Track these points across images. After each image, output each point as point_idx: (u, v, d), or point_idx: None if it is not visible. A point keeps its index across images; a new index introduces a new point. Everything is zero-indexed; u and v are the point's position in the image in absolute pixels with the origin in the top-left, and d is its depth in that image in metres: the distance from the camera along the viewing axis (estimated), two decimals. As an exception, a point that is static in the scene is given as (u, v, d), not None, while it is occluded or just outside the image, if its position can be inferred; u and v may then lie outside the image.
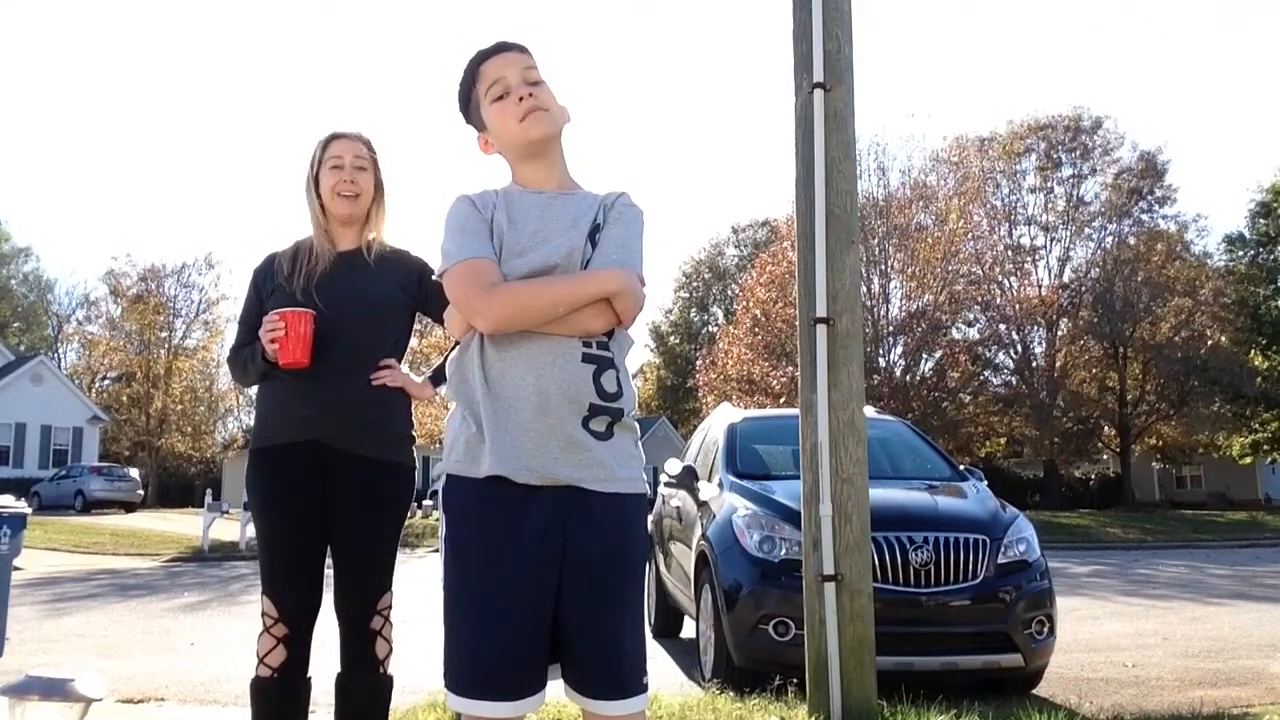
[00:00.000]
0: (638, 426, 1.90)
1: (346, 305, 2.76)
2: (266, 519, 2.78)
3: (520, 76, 1.88)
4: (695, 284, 58.37)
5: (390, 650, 2.80)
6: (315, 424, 2.73)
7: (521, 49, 1.93)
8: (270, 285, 2.86)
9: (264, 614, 2.73)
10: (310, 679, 2.79)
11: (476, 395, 1.79)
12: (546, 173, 1.91)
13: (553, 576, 1.74)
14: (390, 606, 2.81)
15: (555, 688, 1.81)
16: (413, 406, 2.90)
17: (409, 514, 2.97)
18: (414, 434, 2.92)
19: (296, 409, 2.75)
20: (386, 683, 2.81)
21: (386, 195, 2.95)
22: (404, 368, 2.89)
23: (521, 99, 1.86)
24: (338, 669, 2.81)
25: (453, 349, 1.96)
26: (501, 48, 1.92)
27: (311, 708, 2.84)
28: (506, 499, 1.74)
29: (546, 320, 1.76)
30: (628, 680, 1.75)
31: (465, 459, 1.79)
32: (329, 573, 2.78)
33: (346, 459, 2.72)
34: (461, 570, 1.77)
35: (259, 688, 2.73)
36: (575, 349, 1.78)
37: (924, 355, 29.35)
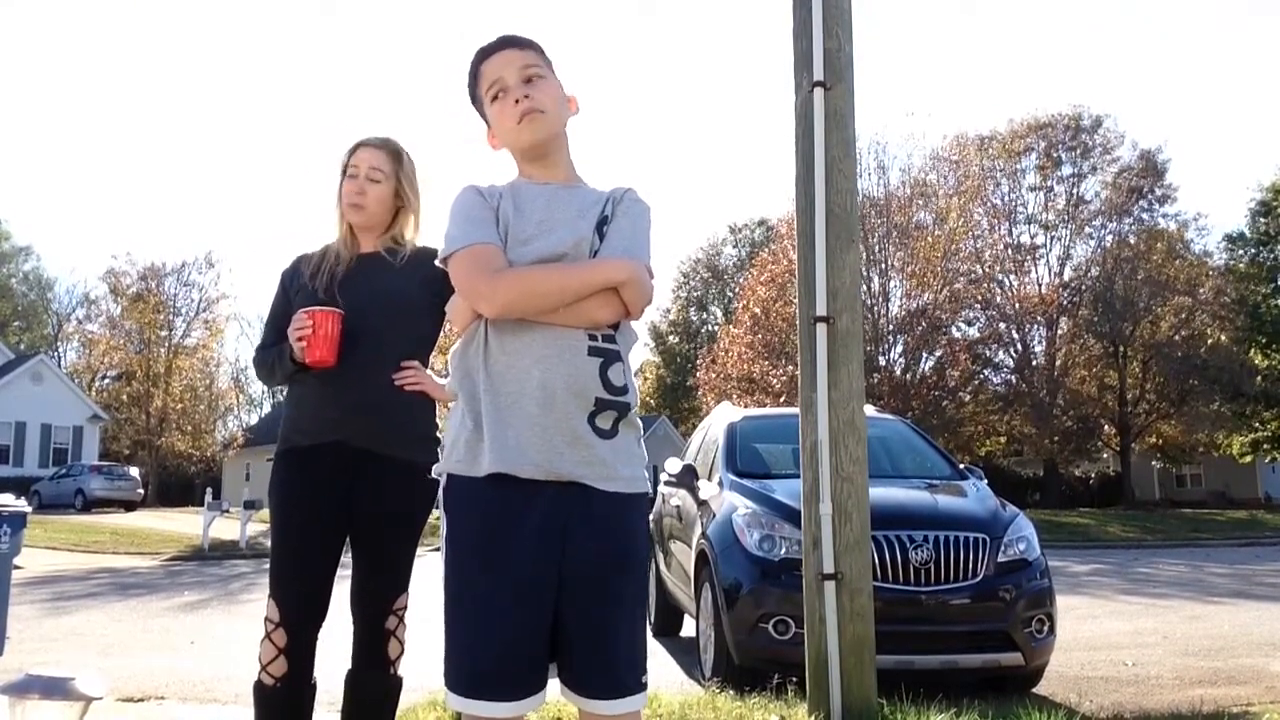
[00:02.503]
0: (640, 424, 1.89)
1: (367, 305, 2.76)
2: (285, 519, 2.77)
3: (518, 76, 1.86)
4: (694, 283, 58.38)
5: (402, 651, 2.80)
6: (339, 425, 2.73)
7: (523, 44, 1.90)
8: (296, 285, 2.88)
9: (266, 618, 2.72)
10: (315, 684, 2.78)
11: (478, 389, 1.77)
12: (551, 170, 1.90)
13: (553, 576, 1.73)
14: (405, 607, 2.81)
15: (553, 686, 1.80)
16: (437, 407, 2.89)
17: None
18: (438, 434, 2.92)
19: (322, 411, 2.76)
20: (396, 683, 2.81)
21: (420, 199, 2.93)
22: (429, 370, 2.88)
23: (518, 101, 1.84)
24: (347, 666, 2.81)
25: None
26: (502, 44, 1.89)
27: (315, 706, 2.83)
28: (507, 498, 1.73)
29: (553, 307, 1.74)
30: (624, 680, 1.74)
31: (465, 458, 1.78)
32: (344, 571, 2.77)
33: (370, 459, 2.72)
34: (462, 570, 1.76)
35: (261, 693, 2.72)
36: (581, 342, 1.76)
37: (924, 354, 29.36)
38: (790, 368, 25.16)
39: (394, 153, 2.90)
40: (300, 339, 2.66)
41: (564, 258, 1.79)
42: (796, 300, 4.50)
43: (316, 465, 2.74)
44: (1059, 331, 33.67)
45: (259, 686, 2.72)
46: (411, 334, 2.84)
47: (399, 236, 2.90)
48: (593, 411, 1.76)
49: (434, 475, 1.85)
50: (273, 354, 2.83)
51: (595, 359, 1.76)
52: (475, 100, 1.94)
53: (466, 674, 1.71)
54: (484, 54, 1.90)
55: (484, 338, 1.78)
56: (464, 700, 1.70)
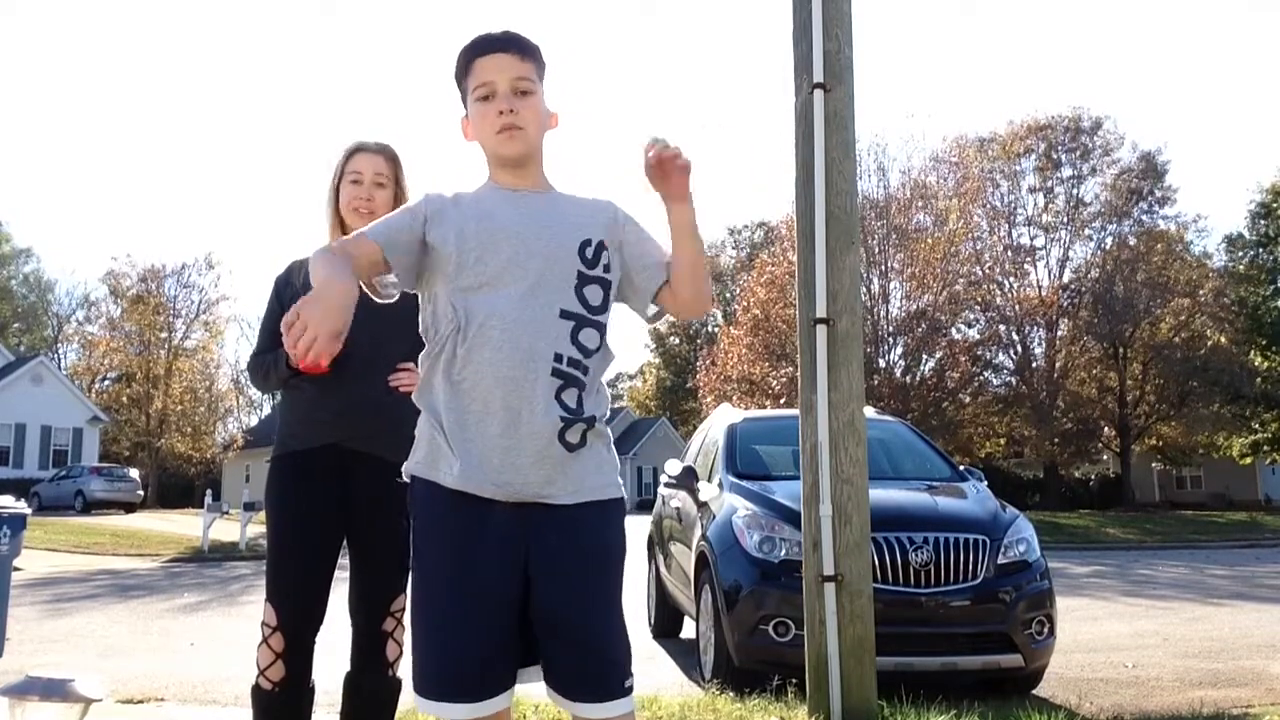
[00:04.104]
0: (609, 432, 1.89)
1: (361, 310, 2.75)
2: (281, 522, 2.77)
3: (509, 86, 1.83)
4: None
5: (400, 653, 2.80)
6: (333, 428, 2.74)
7: (524, 51, 1.86)
8: (290, 292, 2.88)
9: (263, 623, 2.72)
10: (313, 688, 2.78)
11: (439, 403, 1.79)
12: (521, 178, 1.90)
13: (518, 579, 1.74)
14: (403, 609, 2.80)
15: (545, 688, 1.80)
16: None
17: None
18: None
19: (314, 414, 2.77)
20: (395, 685, 2.82)
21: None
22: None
23: (501, 113, 1.83)
24: (345, 668, 2.81)
25: None
26: (504, 45, 1.85)
27: (314, 709, 2.83)
28: (468, 511, 1.75)
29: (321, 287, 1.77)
30: (605, 683, 1.72)
31: (425, 461, 1.80)
32: (341, 574, 2.77)
33: (364, 461, 2.73)
34: (425, 575, 1.77)
35: (259, 697, 2.72)
36: (545, 363, 1.75)
37: (924, 356, 29.31)
38: (790, 369, 25.15)
39: (392, 158, 2.91)
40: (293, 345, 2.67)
41: (535, 261, 1.79)
42: (796, 302, 4.50)
43: (311, 469, 2.75)
44: (1059, 333, 33.68)
45: (257, 691, 2.72)
46: (405, 338, 2.84)
47: None
48: (561, 429, 1.76)
49: (403, 475, 1.86)
50: (268, 360, 2.85)
51: (556, 380, 1.76)
52: (461, 85, 1.91)
53: (431, 677, 1.72)
54: (482, 48, 1.86)
55: (451, 353, 1.79)
56: (431, 703, 1.72)
